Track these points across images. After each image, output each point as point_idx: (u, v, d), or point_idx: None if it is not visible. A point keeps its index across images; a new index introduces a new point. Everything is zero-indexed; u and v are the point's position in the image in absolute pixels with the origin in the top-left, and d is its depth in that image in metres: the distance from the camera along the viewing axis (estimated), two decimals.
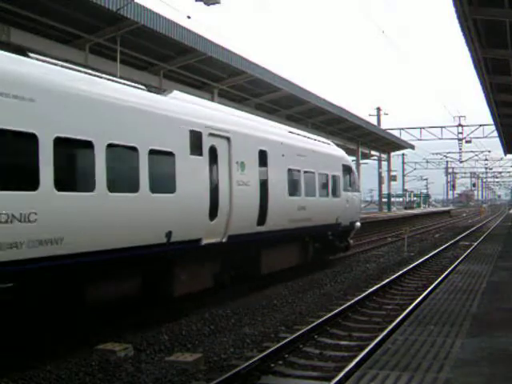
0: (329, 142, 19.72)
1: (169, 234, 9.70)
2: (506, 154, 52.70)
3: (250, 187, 12.41)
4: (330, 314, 11.07)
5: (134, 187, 9.10)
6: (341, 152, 19.72)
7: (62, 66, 8.55)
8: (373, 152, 51.33)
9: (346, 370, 7.52)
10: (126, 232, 8.89)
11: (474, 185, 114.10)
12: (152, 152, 9.42)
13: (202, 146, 10.84)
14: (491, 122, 32.31)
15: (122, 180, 9.18)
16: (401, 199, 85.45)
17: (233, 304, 12.17)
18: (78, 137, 8.07)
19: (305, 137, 16.90)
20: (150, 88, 10.84)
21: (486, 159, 75.80)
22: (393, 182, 61.70)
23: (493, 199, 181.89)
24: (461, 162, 67.23)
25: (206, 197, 10.89)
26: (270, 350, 8.50)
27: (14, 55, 7.71)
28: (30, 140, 7.28)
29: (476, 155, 67.30)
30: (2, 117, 6.99)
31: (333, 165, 17.84)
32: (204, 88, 22.33)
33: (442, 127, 50.64)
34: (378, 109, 53.87)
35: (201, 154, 10.78)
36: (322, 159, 16.90)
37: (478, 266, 15.40)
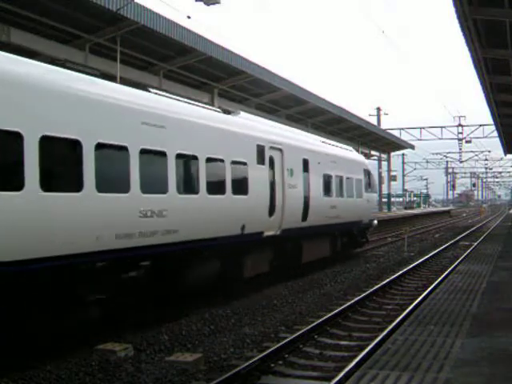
0: (351, 148, 22.45)
1: (243, 227, 12.39)
2: (506, 154, 52.71)
3: (296, 189, 15.05)
4: (330, 314, 11.07)
5: (223, 190, 11.79)
6: (362, 158, 23.10)
7: (176, 99, 11.22)
8: (373, 152, 51.32)
9: (346, 370, 7.52)
10: (218, 225, 11.56)
11: (473, 185, 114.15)
12: (233, 162, 12.13)
13: (265, 157, 13.51)
14: (491, 121, 32.32)
15: (217, 184, 11.63)
16: (401, 199, 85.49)
17: (233, 304, 12.17)
18: (187, 152, 10.73)
19: (334, 146, 19.84)
20: (224, 110, 13.63)
21: (486, 159, 75.89)
22: (393, 182, 61.74)
23: (493, 199, 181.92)
24: (461, 161, 67.26)
25: (267, 198, 13.55)
26: (269, 349, 8.50)
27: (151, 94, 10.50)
28: (163, 157, 10.04)
29: (476, 155, 67.37)
30: (155, 141, 9.87)
31: (357, 169, 20.72)
32: (204, 88, 22.33)
33: (442, 127, 50.66)
34: (378, 109, 53.86)
35: (263, 164, 13.44)
36: (348, 165, 19.71)
37: (478, 266, 15.41)
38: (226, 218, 11.80)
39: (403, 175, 70.73)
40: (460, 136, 50.93)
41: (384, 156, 55.77)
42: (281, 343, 8.88)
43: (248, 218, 12.59)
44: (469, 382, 5.67)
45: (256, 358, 8.01)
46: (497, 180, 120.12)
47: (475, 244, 25.78)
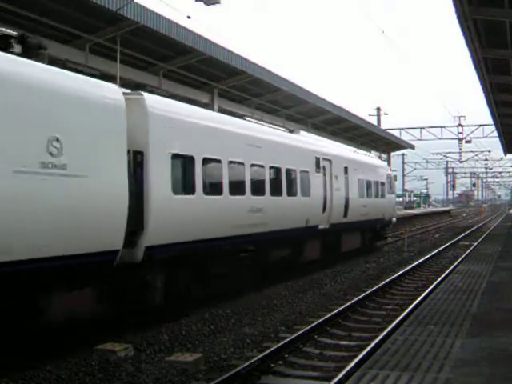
0: (375, 156, 27.72)
1: (307, 221, 16.03)
2: (506, 154, 52.68)
3: (340, 192, 18.76)
4: (329, 314, 11.07)
5: (296, 193, 15.46)
6: (385, 164, 28.66)
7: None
8: (373, 152, 51.29)
9: (346, 370, 7.52)
10: (293, 219, 15.18)
11: (473, 185, 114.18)
12: (301, 171, 15.87)
13: (320, 166, 17.27)
14: (491, 122, 32.30)
15: (292, 188, 15.31)
16: (401, 199, 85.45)
17: (233, 304, 12.17)
18: (275, 165, 14.39)
19: (364, 154, 24.81)
20: (289, 130, 17.70)
21: (486, 159, 75.83)
22: None
23: (493, 199, 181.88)
24: (461, 162, 67.24)
25: (321, 198, 17.29)
26: (269, 350, 8.51)
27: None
28: (262, 169, 13.67)
29: (476, 155, 67.32)
30: (258, 158, 13.49)
31: (381, 174, 24.72)
32: (204, 88, 22.32)
33: (442, 127, 50.62)
34: (378, 109, 53.85)
35: (319, 172, 17.21)
36: (374, 170, 23.76)
37: (478, 266, 15.41)
38: (297, 213, 15.59)
39: (403, 175, 70.75)
40: (460, 136, 50.89)
41: (384, 156, 55.73)
42: (281, 343, 8.88)
43: (310, 214, 16.34)
44: (469, 382, 5.67)
45: (256, 358, 8.02)
46: (497, 180, 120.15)
47: (475, 244, 25.79)
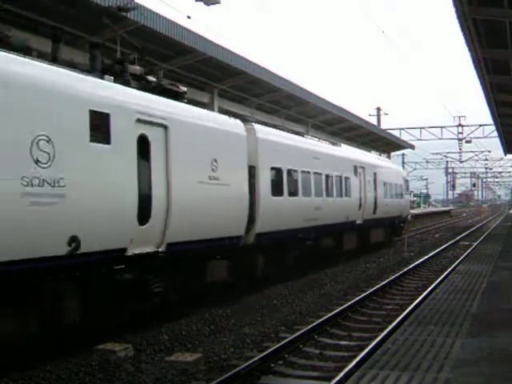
0: (391, 162, 34.25)
1: (347, 217, 19.82)
2: (506, 154, 52.66)
3: (370, 193, 23.01)
4: (330, 314, 11.07)
5: (341, 194, 19.42)
6: (401, 169, 35.31)
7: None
8: (373, 152, 51.26)
9: (346, 370, 7.52)
10: (338, 215, 19.04)
11: (473, 185, 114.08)
12: (345, 178, 20.02)
13: (357, 172, 21.49)
14: (491, 122, 32.29)
15: (339, 191, 19.28)
16: None
17: (233, 304, 12.17)
18: (328, 173, 18.42)
19: (386, 161, 31.75)
20: (332, 143, 21.40)
21: (486, 159, 75.72)
22: None
23: (493, 199, 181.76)
24: (461, 162, 67.16)
25: (358, 198, 21.34)
26: (270, 350, 8.51)
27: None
28: (320, 176, 17.87)
29: (476, 155, 67.23)
30: (317, 168, 17.57)
31: (399, 178, 29.38)
32: (204, 88, 22.32)
33: (442, 127, 50.56)
34: (378, 109, 53.81)
35: (356, 177, 21.37)
36: (395, 175, 28.70)
37: (478, 265, 15.41)
38: (342, 211, 19.48)
39: None
40: (460, 136, 50.84)
41: (384, 156, 55.70)
42: (281, 343, 8.88)
43: (350, 211, 20.30)
44: (469, 382, 5.67)
45: (256, 358, 8.02)
46: (497, 180, 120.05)
47: (475, 244, 25.79)
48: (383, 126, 52.02)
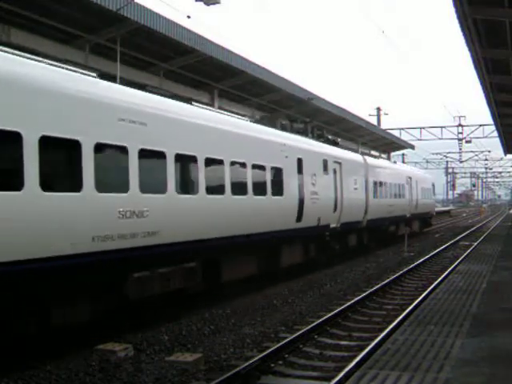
0: (427, 174, 45.45)
1: (404, 211, 28.71)
2: (506, 154, 52.66)
3: (414, 195, 31.43)
4: (329, 314, 11.07)
5: (404, 197, 29.27)
6: (429, 175, 43.80)
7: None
8: (373, 152, 51.21)
9: (346, 370, 7.52)
10: (401, 211, 28.20)
11: (473, 185, 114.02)
12: (407, 184, 29.61)
13: (411, 182, 30.80)
14: (491, 122, 32.27)
15: (403, 194, 29.29)
16: None
17: (233, 304, 12.17)
18: (398, 182, 28.59)
19: (419, 170, 42.61)
20: (394, 162, 34.36)
21: (486, 159, 75.58)
22: None
23: (493, 199, 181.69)
24: (461, 162, 67.09)
25: (408, 200, 29.86)
26: (270, 350, 8.50)
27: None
28: (396, 184, 28.86)
29: (476, 155, 67.14)
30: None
31: (429, 183, 38.55)
32: (204, 88, 22.31)
33: (442, 127, 50.47)
34: (378, 109, 53.73)
35: (409, 184, 30.12)
36: (427, 181, 37.96)
37: (478, 265, 15.41)
38: (403, 208, 28.72)
39: None
40: (460, 136, 50.79)
41: (384, 156, 55.65)
42: (281, 343, 8.87)
43: (404, 209, 29.20)
44: (469, 382, 5.67)
45: (256, 358, 8.01)
46: (497, 180, 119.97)
47: (475, 244, 25.79)
48: (383, 126, 51.94)
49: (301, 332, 9.61)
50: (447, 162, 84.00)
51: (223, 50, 19.38)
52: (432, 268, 19.24)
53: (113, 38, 16.15)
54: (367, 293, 13.51)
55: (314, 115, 30.74)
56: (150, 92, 10.83)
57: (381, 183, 24.67)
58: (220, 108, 22.06)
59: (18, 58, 8.28)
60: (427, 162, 79.62)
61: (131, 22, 15.35)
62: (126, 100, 9.70)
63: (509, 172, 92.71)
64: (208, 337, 9.73)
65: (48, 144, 7.84)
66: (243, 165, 12.85)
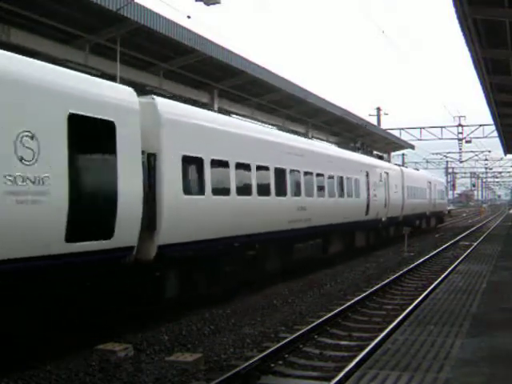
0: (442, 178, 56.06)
1: (426, 210, 36.83)
2: (506, 154, 52.65)
3: (432, 196, 38.73)
4: (329, 314, 11.07)
5: (430, 199, 38.16)
6: (443, 180, 56.35)
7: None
8: (374, 152, 51.19)
9: (346, 370, 7.52)
10: (424, 209, 35.98)
11: (473, 185, 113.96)
12: (433, 188, 39.49)
13: (431, 186, 38.64)
14: (491, 122, 32.28)
15: (431, 197, 38.81)
16: None
17: (233, 304, 12.17)
18: (411, 184, 32.38)
19: (437, 176, 50.39)
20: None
21: (486, 159, 75.49)
22: None
23: (493, 199, 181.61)
24: (461, 161, 67.05)
25: (429, 201, 37.48)
26: (270, 350, 8.50)
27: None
28: (425, 188, 38.13)
29: (476, 155, 67.08)
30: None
31: (442, 186, 46.04)
32: (204, 88, 22.32)
33: (442, 127, 50.43)
34: (378, 109, 53.71)
35: (430, 188, 38.00)
36: (440, 185, 44.42)
37: (478, 265, 15.40)
38: (425, 207, 35.94)
39: None
40: (460, 136, 50.77)
41: (384, 156, 55.60)
42: (281, 343, 8.87)
43: (427, 207, 36.67)
44: (469, 382, 5.67)
45: (256, 358, 8.01)
46: (497, 180, 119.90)
47: (475, 244, 25.79)
48: (383, 126, 51.93)
49: (301, 332, 9.61)
50: (447, 161, 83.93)
51: (223, 50, 19.39)
52: (432, 268, 19.23)
53: (113, 38, 16.16)
54: (367, 293, 13.51)
55: (314, 115, 30.79)
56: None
57: (411, 187, 31.34)
58: (219, 108, 22.09)
59: None
60: (427, 162, 79.59)
61: (131, 22, 15.36)
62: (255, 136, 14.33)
63: (509, 172, 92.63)
64: (208, 337, 9.73)
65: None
66: (349, 179, 20.59)
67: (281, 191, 14.47)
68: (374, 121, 50.17)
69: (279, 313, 11.69)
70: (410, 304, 12.18)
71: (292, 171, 15.26)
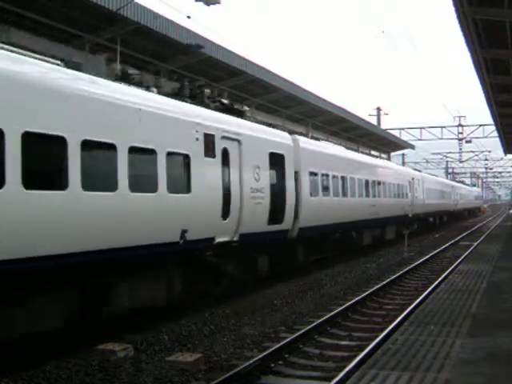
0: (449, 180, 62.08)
1: (445, 209, 45.60)
2: (506, 154, 52.71)
3: (455, 197, 51.73)
4: (330, 314, 11.07)
5: (446, 199, 46.61)
6: (452, 182, 57.48)
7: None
8: (373, 152, 51.19)
9: (347, 370, 7.52)
10: (445, 208, 44.69)
11: (474, 185, 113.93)
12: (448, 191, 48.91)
13: (455, 189, 52.48)
14: (491, 121, 32.29)
15: (447, 198, 47.18)
16: None
17: (233, 304, 12.16)
18: (430, 187, 39.38)
19: (442, 179, 53.38)
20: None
21: (486, 159, 75.47)
22: None
23: (493, 199, 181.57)
24: (461, 161, 67.09)
25: (454, 199, 50.88)
26: (270, 350, 8.50)
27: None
28: (444, 191, 47.29)
29: (476, 155, 67.08)
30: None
31: (450, 187, 49.12)
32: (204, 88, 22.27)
33: (442, 127, 50.45)
34: (378, 109, 53.69)
35: (450, 190, 48.89)
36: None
37: (478, 265, 15.40)
38: (446, 207, 44.66)
39: None
40: (460, 136, 50.80)
41: (384, 156, 55.62)
42: (281, 343, 8.87)
43: (445, 207, 44.56)
44: (469, 382, 5.67)
45: (256, 358, 8.01)
46: (497, 180, 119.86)
47: (475, 244, 25.78)
48: (383, 126, 51.93)
49: (301, 332, 9.61)
50: (447, 161, 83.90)
51: (223, 50, 19.38)
52: (432, 268, 19.23)
53: (113, 38, 16.15)
54: (367, 293, 13.51)
55: (314, 115, 30.79)
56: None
57: (430, 190, 37.06)
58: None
59: None
60: (427, 162, 79.56)
61: (131, 22, 15.35)
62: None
63: (509, 172, 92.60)
64: (208, 337, 9.73)
65: None
66: (389, 184, 26.18)
67: (363, 194, 21.56)
68: (374, 121, 50.20)
69: (279, 313, 11.69)
70: (410, 304, 12.17)
71: (372, 181, 23.11)
